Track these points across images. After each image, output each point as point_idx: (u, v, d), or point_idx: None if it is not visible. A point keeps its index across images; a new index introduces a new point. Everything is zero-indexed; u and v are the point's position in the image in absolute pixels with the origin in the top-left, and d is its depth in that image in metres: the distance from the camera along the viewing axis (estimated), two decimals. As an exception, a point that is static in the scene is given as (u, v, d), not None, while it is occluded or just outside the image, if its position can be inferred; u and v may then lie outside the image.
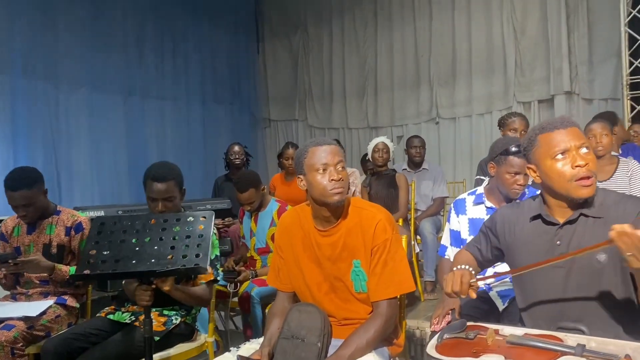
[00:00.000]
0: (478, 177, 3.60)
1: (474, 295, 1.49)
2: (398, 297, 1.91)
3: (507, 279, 2.28)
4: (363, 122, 7.63)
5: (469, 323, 1.60)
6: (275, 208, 3.18)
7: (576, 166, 1.46)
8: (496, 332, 1.51)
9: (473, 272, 1.56)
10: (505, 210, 1.73)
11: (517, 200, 2.27)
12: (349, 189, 1.87)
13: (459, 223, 2.51)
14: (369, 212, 1.87)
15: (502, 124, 3.57)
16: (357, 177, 4.46)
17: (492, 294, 2.34)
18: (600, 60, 5.59)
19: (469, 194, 2.56)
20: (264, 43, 8.53)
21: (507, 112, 6.26)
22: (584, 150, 1.48)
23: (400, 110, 7.23)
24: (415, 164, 4.58)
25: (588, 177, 1.45)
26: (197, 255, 1.79)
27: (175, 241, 1.85)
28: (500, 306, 2.25)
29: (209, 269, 2.23)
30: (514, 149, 2.28)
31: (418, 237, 4.21)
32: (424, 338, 3.17)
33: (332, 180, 1.77)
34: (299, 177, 1.87)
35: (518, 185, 2.28)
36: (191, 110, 7.20)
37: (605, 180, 3.18)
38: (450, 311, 1.95)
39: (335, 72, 7.84)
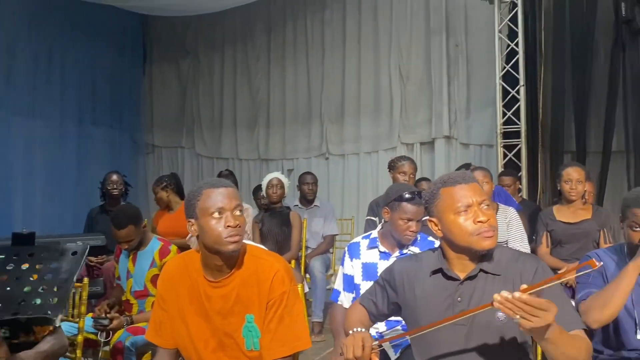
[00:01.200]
0: (369, 217, 3.62)
1: None
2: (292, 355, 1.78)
3: (399, 327, 2.25)
4: (254, 154, 7.51)
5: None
6: (157, 247, 2.92)
7: (478, 221, 1.46)
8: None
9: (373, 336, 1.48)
10: (404, 263, 1.69)
11: (412, 251, 2.27)
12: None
13: (352, 267, 2.46)
14: (266, 261, 1.74)
15: (392, 166, 3.64)
16: (249, 215, 4.29)
17: (384, 343, 2.30)
18: (477, 108, 6.02)
19: (363, 238, 2.53)
20: (151, 65, 8.14)
21: (392, 151, 6.57)
22: (484, 206, 1.49)
23: (292, 144, 7.23)
24: (307, 200, 4.53)
25: (489, 231, 1.47)
26: (50, 301, 1.52)
27: (32, 281, 1.57)
28: (393, 356, 2.21)
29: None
30: (407, 195, 2.30)
31: (307, 275, 4.13)
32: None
33: (228, 226, 1.62)
34: (189, 221, 1.69)
35: (410, 231, 2.29)
36: (65, 131, 6.53)
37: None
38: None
39: (226, 101, 7.68)
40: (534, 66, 5.04)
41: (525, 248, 3.26)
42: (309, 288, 4.02)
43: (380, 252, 2.39)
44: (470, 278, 1.52)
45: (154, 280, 2.78)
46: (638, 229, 1.97)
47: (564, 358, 1.30)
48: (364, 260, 2.44)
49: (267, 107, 7.40)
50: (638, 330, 1.94)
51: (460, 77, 6.13)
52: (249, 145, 7.52)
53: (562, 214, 3.20)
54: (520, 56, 5.02)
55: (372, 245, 2.43)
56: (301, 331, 1.75)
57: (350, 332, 1.50)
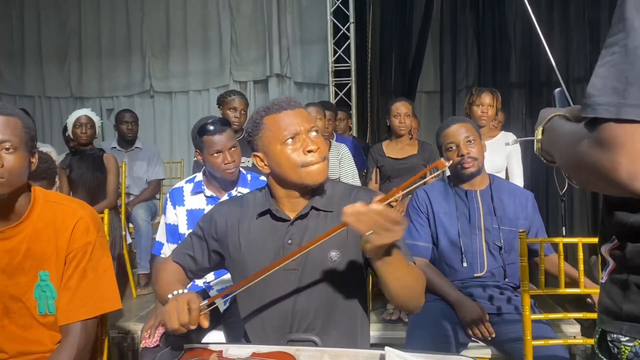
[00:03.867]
0: (197, 159, 3.32)
1: (206, 324, 1.19)
2: (98, 317, 1.50)
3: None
4: (65, 91, 6.60)
5: (187, 346, 1.30)
6: None
7: (308, 151, 1.29)
8: (219, 354, 1.25)
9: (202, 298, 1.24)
10: (226, 207, 1.47)
11: (243, 192, 2.07)
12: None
13: (176, 216, 2.19)
14: (68, 207, 1.46)
15: (221, 102, 3.35)
16: (55, 158, 3.69)
17: (213, 293, 2.10)
18: (310, 45, 5.89)
19: (186, 182, 2.25)
20: None
21: (224, 89, 6.20)
22: (313, 134, 1.33)
23: (110, 80, 6.46)
24: (127, 141, 4.04)
25: (319, 162, 1.31)
26: None
27: None
28: (222, 307, 2.02)
29: None
30: (210, 127, 2.06)
31: (130, 225, 3.73)
32: (136, 344, 2.77)
33: None
34: None
35: (227, 164, 2.05)
36: None
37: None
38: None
39: (29, 30, 6.56)
40: (363, 3, 5.02)
41: (357, 183, 3.27)
42: (132, 238, 3.65)
43: (206, 196, 2.15)
44: (301, 217, 1.36)
45: None
46: (453, 148, 2.03)
47: (401, 285, 1.19)
48: (188, 207, 2.18)
49: (78, 37, 6.49)
50: (464, 260, 1.99)
51: (293, 11, 5.92)
52: (58, 81, 6.58)
53: (390, 149, 3.24)
54: (351, -8, 4.96)
55: (197, 190, 2.17)
56: (108, 289, 1.49)
57: (170, 296, 1.24)
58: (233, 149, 2.06)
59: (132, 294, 3.47)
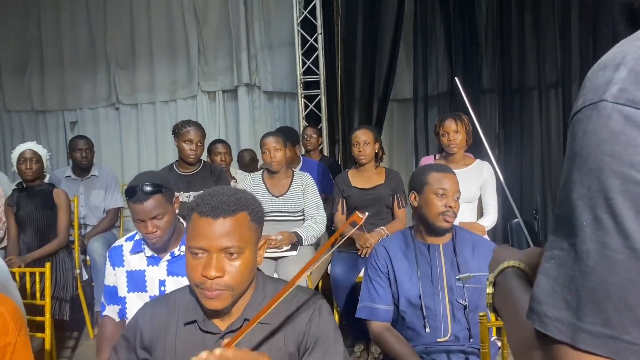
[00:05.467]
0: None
1: None
2: None
3: None
4: (26, 104, 6.35)
5: None
6: None
7: (203, 275, 1.15)
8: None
9: None
10: (150, 310, 1.31)
11: (181, 253, 1.90)
12: None
13: (115, 277, 2.02)
14: None
15: (176, 133, 3.16)
16: (4, 190, 3.48)
17: None
18: (279, 54, 5.70)
19: (126, 240, 2.08)
20: None
21: (192, 100, 6.02)
22: (230, 254, 1.17)
23: (74, 92, 6.21)
24: (82, 169, 3.83)
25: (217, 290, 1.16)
26: None
27: None
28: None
29: None
30: (134, 193, 1.81)
31: (87, 258, 3.55)
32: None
33: None
34: None
35: (148, 233, 1.85)
36: None
37: (284, 194, 3.13)
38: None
39: (-15, 40, 6.27)
40: (331, 13, 4.84)
41: (322, 215, 3.13)
42: (87, 276, 3.46)
43: (147, 256, 1.97)
44: (233, 330, 1.20)
45: None
46: (441, 195, 1.92)
47: None
48: (128, 268, 2.00)
49: (39, 48, 6.21)
50: (427, 325, 1.86)
51: (260, 20, 5.72)
52: (18, 93, 6.31)
53: (356, 179, 3.10)
54: (318, 2, 4.77)
55: (137, 250, 1.99)
56: None
57: None
58: (157, 218, 1.84)
59: (89, 335, 3.30)
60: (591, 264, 0.50)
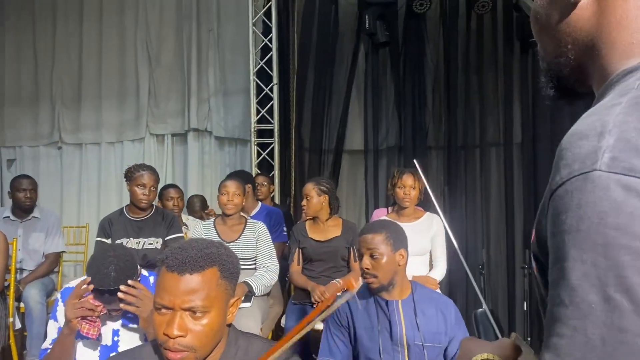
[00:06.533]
0: (99, 239, 3.03)
1: None
2: None
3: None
4: (-41, 139, 6.01)
5: None
6: None
7: (165, 334, 1.11)
8: None
9: None
10: None
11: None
12: None
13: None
14: None
15: (128, 177, 3.07)
16: None
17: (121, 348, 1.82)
18: (233, 100, 5.74)
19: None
20: None
21: (140, 142, 5.90)
22: (198, 314, 1.12)
23: (13, 129, 5.97)
24: (23, 210, 3.64)
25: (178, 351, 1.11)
26: None
27: None
28: None
29: None
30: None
31: (23, 304, 3.33)
32: None
33: None
34: None
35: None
36: None
37: (235, 240, 3.09)
38: None
39: None
40: (287, 65, 4.96)
41: (275, 264, 3.11)
42: (20, 325, 3.24)
43: (101, 306, 1.88)
44: None
45: None
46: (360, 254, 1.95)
47: None
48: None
49: (-22, 82, 5.97)
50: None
51: (215, 64, 5.76)
52: (-47, 128, 5.99)
53: (313, 230, 3.11)
54: (274, 53, 4.88)
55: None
56: None
57: None
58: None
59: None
60: (609, 351, 0.44)
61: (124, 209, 3.17)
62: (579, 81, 0.68)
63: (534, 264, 0.63)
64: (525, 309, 4.44)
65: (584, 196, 0.48)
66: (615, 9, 0.61)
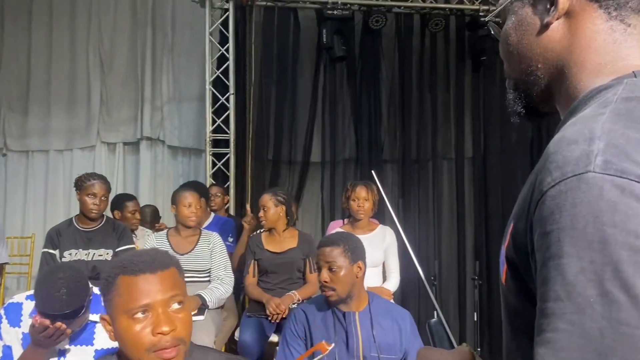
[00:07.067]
0: (46, 250, 2.91)
1: None
2: None
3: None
4: None
5: None
6: None
7: (158, 333, 1.08)
8: None
9: None
10: None
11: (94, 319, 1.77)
12: None
13: (9, 335, 1.82)
14: None
15: (78, 185, 2.98)
16: None
17: None
18: (187, 110, 5.66)
19: (27, 298, 1.89)
20: None
21: (90, 151, 5.73)
22: (175, 305, 1.12)
23: (-48, 134, 5.67)
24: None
25: (173, 346, 1.09)
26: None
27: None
28: None
29: None
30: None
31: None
32: None
33: None
34: None
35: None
36: None
37: (189, 252, 3.04)
38: None
39: None
40: (244, 75, 4.94)
41: (230, 277, 3.07)
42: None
43: (48, 322, 1.81)
44: None
45: None
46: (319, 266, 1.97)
47: None
48: (25, 330, 1.82)
49: None
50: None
51: (169, 73, 5.68)
52: None
53: (269, 242, 3.10)
54: (231, 63, 4.86)
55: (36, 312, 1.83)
56: None
57: None
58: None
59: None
60: (608, 343, 0.45)
61: (74, 219, 3.07)
62: (544, 100, 0.71)
63: (503, 271, 0.64)
64: (475, 319, 4.56)
65: (579, 196, 0.49)
66: (585, 31, 0.65)
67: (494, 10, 0.75)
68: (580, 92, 0.65)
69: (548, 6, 0.67)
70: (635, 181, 0.48)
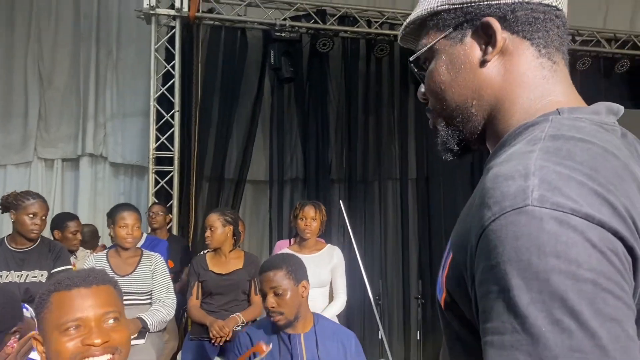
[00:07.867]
0: None
1: None
2: None
3: None
4: None
5: None
6: None
7: (87, 344, 1.05)
8: None
9: None
10: None
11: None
12: None
13: None
14: None
15: (14, 204, 2.83)
16: None
17: None
18: (130, 126, 5.52)
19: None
20: None
21: (26, 167, 5.47)
22: (110, 321, 1.10)
23: None
24: None
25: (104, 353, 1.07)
26: None
27: None
28: None
29: None
30: None
31: None
32: None
33: None
34: None
35: None
36: None
37: (130, 274, 2.94)
38: None
39: None
40: (190, 93, 4.89)
41: (172, 299, 2.99)
42: None
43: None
44: None
45: None
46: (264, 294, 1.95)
47: None
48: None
49: None
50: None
51: (112, 90, 5.52)
52: None
53: (214, 263, 3.04)
54: (177, 81, 4.80)
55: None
56: None
57: None
58: None
59: None
60: None
61: (5, 239, 2.91)
62: (476, 136, 0.73)
63: (442, 298, 0.65)
64: (418, 338, 4.63)
65: (520, 229, 0.51)
66: (518, 67, 0.68)
67: (420, 50, 0.74)
68: (510, 127, 0.68)
69: (484, 46, 0.69)
70: (570, 213, 0.50)
